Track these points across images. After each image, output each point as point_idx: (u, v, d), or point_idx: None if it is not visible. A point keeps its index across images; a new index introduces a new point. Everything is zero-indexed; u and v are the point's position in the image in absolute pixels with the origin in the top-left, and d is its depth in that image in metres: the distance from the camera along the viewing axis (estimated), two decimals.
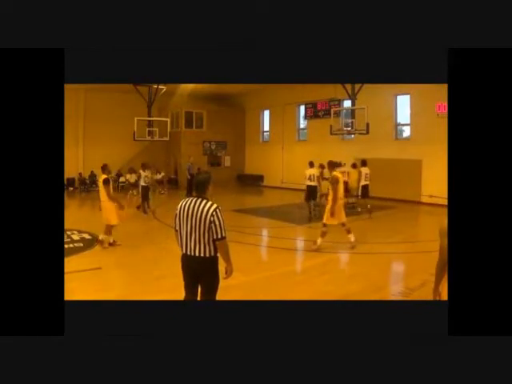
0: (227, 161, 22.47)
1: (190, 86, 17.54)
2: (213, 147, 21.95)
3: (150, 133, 15.35)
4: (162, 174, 18.11)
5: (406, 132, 17.37)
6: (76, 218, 12.14)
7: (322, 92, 17.32)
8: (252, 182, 21.47)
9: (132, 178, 16.53)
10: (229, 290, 4.74)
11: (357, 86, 13.22)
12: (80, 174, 19.31)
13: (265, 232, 9.96)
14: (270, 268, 6.56)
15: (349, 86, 13.30)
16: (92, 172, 18.95)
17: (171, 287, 5.03)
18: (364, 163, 12.77)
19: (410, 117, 16.53)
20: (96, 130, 19.92)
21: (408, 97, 16.28)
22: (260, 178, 21.56)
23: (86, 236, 8.45)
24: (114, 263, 6.60)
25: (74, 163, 19.70)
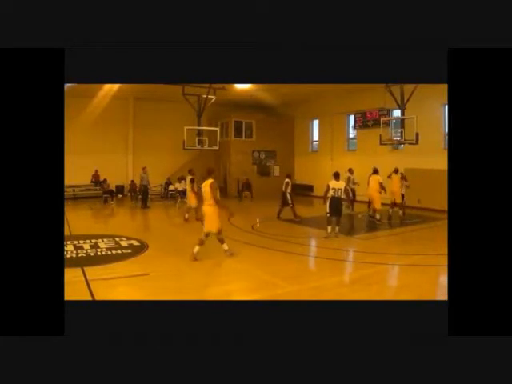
0: (276, 170, 21.91)
1: (237, 96, 17.29)
2: (262, 157, 21.68)
3: (200, 142, 15.23)
4: None
5: None
6: (125, 224, 12.23)
7: (371, 101, 16.83)
8: (301, 192, 20.82)
9: (181, 186, 16.51)
10: (274, 298, 4.85)
11: (406, 95, 12.39)
12: (132, 181, 18.22)
13: (312, 242, 9.72)
14: (316, 279, 6.46)
15: (398, 95, 12.68)
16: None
17: (215, 296, 5.20)
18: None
19: None
20: (146, 139, 19.66)
21: None
22: (309, 187, 20.94)
23: (134, 242, 8.50)
24: (162, 270, 6.59)
25: (124, 171, 19.23)
